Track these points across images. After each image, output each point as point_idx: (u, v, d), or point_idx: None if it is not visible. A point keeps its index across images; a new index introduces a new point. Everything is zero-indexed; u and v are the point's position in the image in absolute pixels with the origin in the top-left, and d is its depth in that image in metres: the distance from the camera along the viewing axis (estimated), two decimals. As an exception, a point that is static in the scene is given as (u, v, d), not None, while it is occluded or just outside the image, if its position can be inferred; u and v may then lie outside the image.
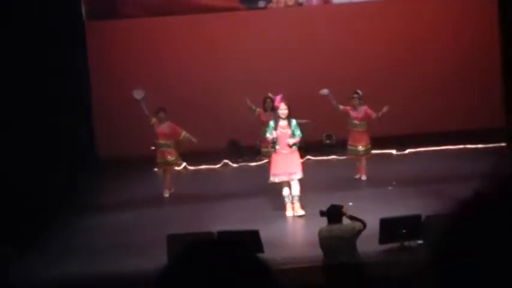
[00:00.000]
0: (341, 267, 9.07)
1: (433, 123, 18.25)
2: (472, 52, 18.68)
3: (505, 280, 0.98)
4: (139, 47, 18.86)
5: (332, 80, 16.80)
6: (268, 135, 13.49)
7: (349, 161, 15.85)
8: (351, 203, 11.96)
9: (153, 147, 15.33)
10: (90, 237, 12.89)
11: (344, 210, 9.76)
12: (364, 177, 15.38)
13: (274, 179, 13.47)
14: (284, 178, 13.37)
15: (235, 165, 17.90)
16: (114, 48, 18.88)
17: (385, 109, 14.82)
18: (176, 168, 15.98)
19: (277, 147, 13.40)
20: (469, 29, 18.79)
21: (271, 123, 13.46)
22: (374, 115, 14.99)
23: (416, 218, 10.81)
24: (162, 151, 15.22)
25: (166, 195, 15.35)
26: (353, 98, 15.19)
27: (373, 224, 10.45)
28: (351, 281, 8.71)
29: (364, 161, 15.41)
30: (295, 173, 13.36)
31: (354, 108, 15.21)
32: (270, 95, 15.05)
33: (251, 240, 10.81)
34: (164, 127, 15.14)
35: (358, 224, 9.64)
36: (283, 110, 13.35)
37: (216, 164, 17.87)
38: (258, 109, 15.55)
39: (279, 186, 13.57)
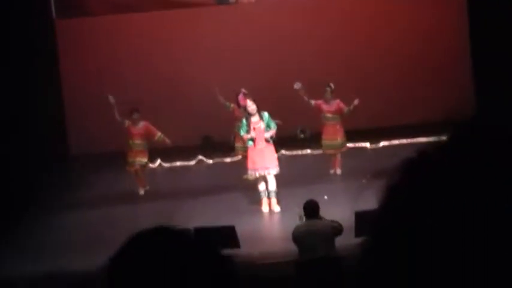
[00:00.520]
0: (318, 262, 9.09)
1: (406, 116, 18.32)
2: (443, 44, 18.77)
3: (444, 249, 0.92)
4: (111, 44, 18.77)
5: (305, 74, 16.78)
6: (242, 132, 13.48)
7: (323, 155, 15.85)
8: (326, 197, 11.98)
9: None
10: (62, 234, 12.83)
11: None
12: (339, 171, 15.40)
13: (252, 173, 13.46)
14: (261, 173, 13.37)
15: (210, 161, 17.87)
16: (85, 46, 18.77)
17: (356, 102, 14.84)
18: (150, 165, 15.98)
19: (250, 143, 13.40)
20: (441, 21, 18.88)
21: (244, 121, 13.46)
22: (346, 109, 15.01)
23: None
24: (136, 151, 15.14)
25: (141, 192, 15.29)
26: (325, 91, 15.18)
27: (348, 218, 10.47)
28: (328, 275, 8.72)
29: (338, 155, 15.43)
30: (272, 167, 13.36)
31: (326, 101, 15.20)
32: (243, 90, 15.03)
33: (227, 236, 10.80)
34: (139, 128, 15.06)
35: (336, 222, 9.68)
36: (251, 106, 13.38)
37: (190, 161, 17.83)
38: (232, 105, 15.51)
39: (254, 181, 13.57)
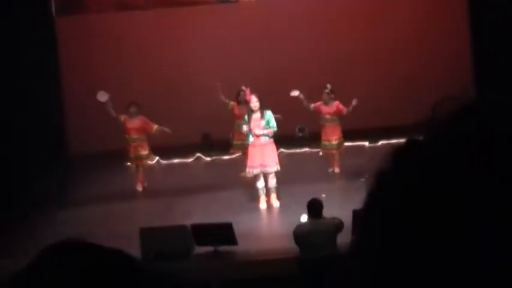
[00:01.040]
0: (320, 260, 9.09)
1: (405, 115, 18.30)
2: (443, 43, 18.77)
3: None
4: (112, 42, 18.75)
5: (304, 72, 16.81)
6: (244, 128, 13.49)
7: (321, 153, 15.86)
8: (324, 195, 11.99)
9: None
10: (62, 231, 12.80)
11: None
12: (337, 170, 15.41)
13: (251, 171, 13.45)
14: (258, 171, 13.35)
15: (208, 158, 17.87)
16: (85, 43, 18.75)
17: (354, 102, 14.86)
18: (149, 162, 15.92)
19: (251, 139, 13.39)
20: (441, 22, 18.88)
21: (246, 117, 13.47)
22: (345, 110, 15.00)
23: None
24: (134, 146, 15.13)
25: (140, 189, 15.30)
26: (323, 92, 15.14)
27: (347, 216, 10.47)
28: (329, 274, 8.72)
29: (337, 155, 15.44)
30: (272, 165, 13.35)
31: (325, 103, 15.17)
32: (243, 88, 15.01)
33: (225, 233, 10.82)
34: (136, 122, 15.02)
35: (338, 219, 9.67)
36: (254, 103, 13.37)
37: (189, 158, 17.83)
38: (231, 102, 15.50)
39: (252, 179, 13.57)
